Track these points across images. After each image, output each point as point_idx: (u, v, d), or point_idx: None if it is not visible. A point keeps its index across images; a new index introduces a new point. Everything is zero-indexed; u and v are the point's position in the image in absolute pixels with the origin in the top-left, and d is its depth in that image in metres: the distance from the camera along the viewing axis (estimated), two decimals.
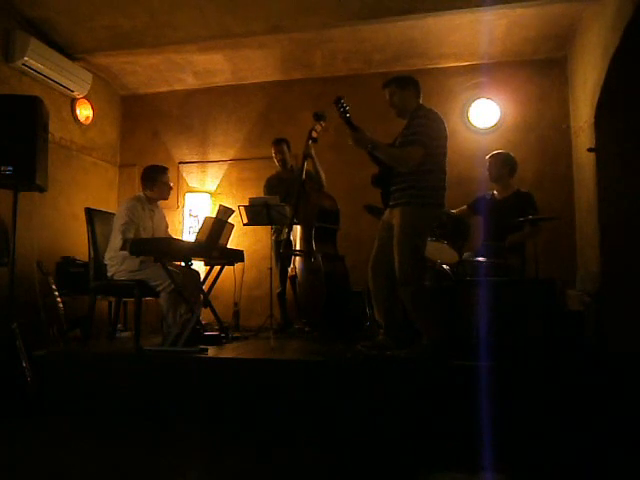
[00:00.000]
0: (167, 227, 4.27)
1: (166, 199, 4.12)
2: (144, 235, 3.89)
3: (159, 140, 5.91)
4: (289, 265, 4.37)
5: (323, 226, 4.27)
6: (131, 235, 3.77)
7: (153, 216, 4.05)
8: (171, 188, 4.10)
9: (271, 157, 4.80)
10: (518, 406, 2.69)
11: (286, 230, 4.38)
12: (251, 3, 4.30)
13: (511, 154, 4.02)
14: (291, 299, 4.39)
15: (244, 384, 3.06)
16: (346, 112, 3.18)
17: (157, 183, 4.02)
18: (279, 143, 4.68)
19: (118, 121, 5.99)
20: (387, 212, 3.28)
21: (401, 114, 3.27)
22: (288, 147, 4.68)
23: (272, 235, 4.50)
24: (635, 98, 3.79)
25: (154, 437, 2.76)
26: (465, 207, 4.05)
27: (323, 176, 4.47)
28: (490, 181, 4.04)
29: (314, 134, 4.24)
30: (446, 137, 3.18)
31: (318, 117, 4.24)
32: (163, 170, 4.08)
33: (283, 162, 4.66)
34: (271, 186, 4.60)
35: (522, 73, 5.14)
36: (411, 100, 3.23)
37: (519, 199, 3.86)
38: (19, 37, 4.34)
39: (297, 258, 4.30)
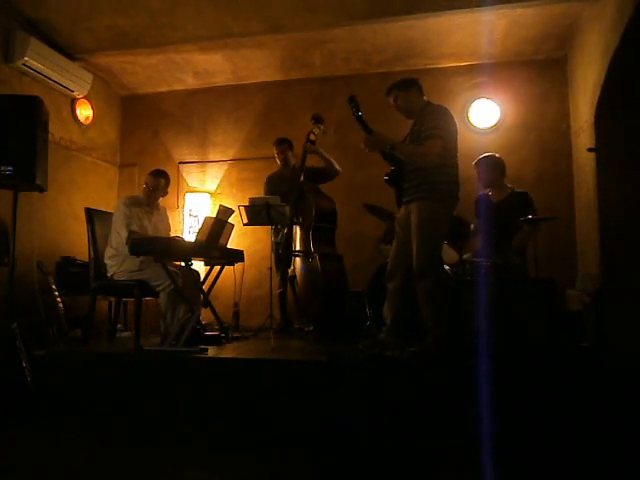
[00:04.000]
0: (169, 229, 4.27)
1: (152, 200, 4.10)
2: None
3: (159, 140, 5.91)
4: (289, 266, 4.37)
5: (321, 226, 4.27)
6: (136, 228, 3.81)
7: (151, 217, 4.05)
8: (152, 191, 4.05)
9: (271, 157, 4.80)
10: (518, 406, 2.69)
11: (285, 231, 4.39)
12: (250, 3, 4.30)
13: (497, 155, 3.99)
14: (291, 299, 4.40)
15: (244, 384, 3.06)
16: (359, 111, 3.16)
17: (144, 183, 4.09)
18: (281, 144, 4.65)
19: (118, 121, 5.98)
20: (402, 209, 3.28)
21: (409, 115, 3.30)
22: (291, 147, 4.67)
23: (271, 236, 4.52)
24: (635, 98, 3.78)
25: (154, 437, 2.76)
26: (475, 221, 4.00)
27: (335, 163, 4.46)
28: (483, 187, 4.03)
29: (312, 137, 4.27)
30: (457, 131, 3.21)
31: (316, 120, 4.26)
32: (151, 172, 4.13)
33: (285, 162, 4.66)
34: (272, 184, 4.60)
35: (522, 73, 5.14)
36: (416, 99, 3.26)
37: (516, 200, 3.85)
38: (19, 37, 4.33)
39: (297, 259, 4.31)
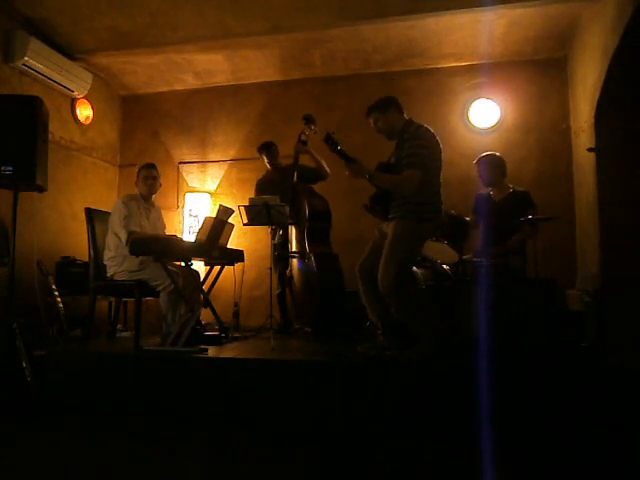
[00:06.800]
0: (164, 227, 4.27)
1: (153, 192, 4.08)
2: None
3: (159, 140, 5.91)
4: (287, 267, 4.37)
5: (315, 225, 4.28)
6: (135, 228, 3.79)
7: (149, 215, 4.04)
8: (153, 181, 4.03)
9: None
10: (518, 406, 2.69)
11: (280, 232, 4.39)
12: (251, 3, 4.30)
13: (497, 154, 4.00)
14: (290, 300, 4.40)
15: (244, 384, 3.06)
16: (337, 146, 3.13)
17: (139, 179, 4.04)
18: (269, 149, 4.63)
19: (118, 121, 5.99)
20: (385, 224, 3.27)
21: (390, 136, 3.26)
22: (277, 149, 4.66)
23: (270, 237, 4.52)
24: (635, 98, 3.79)
25: (154, 437, 2.76)
26: (472, 216, 4.00)
27: (325, 165, 4.45)
28: (484, 186, 4.03)
29: (303, 137, 4.26)
30: (440, 151, 3.17)
31: (307, 120, 4.25)
32: (144, 166, 4.10)
33: (275, 166, 4.65)
34: (262, 189, 4.60)
35: (522, 73, 5.14)
36: (395, 119, 3.22)
37: (517, 199, 3.86)
38: (19, 37, 4.33)
39: (293, 260, 4.31)
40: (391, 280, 3.01)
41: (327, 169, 4.47)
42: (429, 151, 3.09)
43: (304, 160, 4.45)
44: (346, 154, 3.15)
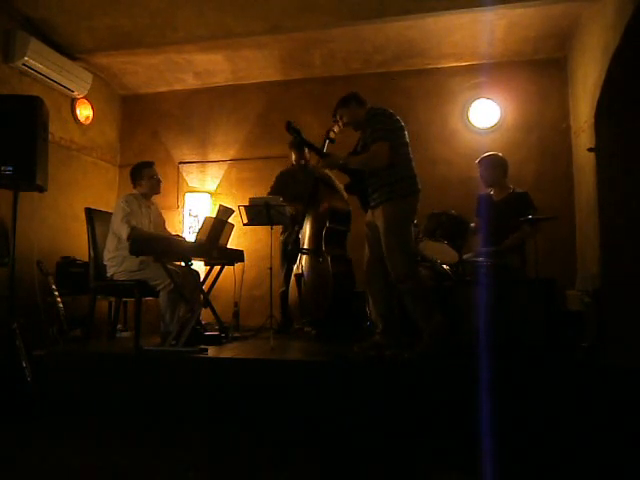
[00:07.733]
0: (164, 222, 4.26)
1: (157, 193, 4.09)
2: None
3: (159, 140, 5.91)
4: (294, 263, 4.34)
5: (334, 227, 4.25)
6: (135, 224, 3.78)
7: (150, 213, 4.04)
8: (159, 181, 4.04)
9: (271, 157, 4.83)
10: (518, 406, 2.69)
11: (296, 229, 4.35)
12: (251, 3, 4.30)
13: (499, 154, 4.00)
14: (295, 297, 4.37)
15: (244, 384, 3.06)
16: (299, 133, 3.32)
17: (143, 177, 4.01)
18: (303, 148, 4.56)
19: (118, 121, 5.99)
20: (369, 213, 3.35)
21: (357, 127, 3.42)
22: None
23: (281, 235, 4.49)
24: (635, 98, 3.79)
25: (154, 437, 2.76)
26: (475, 219, 4.01)
27: (343, 190, 4.43)
28: (485, 186, 4.03)
29: (332, 134, 4.21)
30: (402, 127, 3.29)
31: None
32: (148, 164, 4.07)
33: (300, 163, 4.61)
34: (283, 182, 4.55)
35: (522, 73, 5.14)
36: (357, 111, 3.38)
37: (516, 200, 3.85)
38: (19, 37, 4.33)
39: (304, 257, 4.26)
40: (402, 266, 3.11)
41: (344, 194, 4.44)
42: (391, 126, 3.22)
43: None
44: (319, 149, 3.32)
